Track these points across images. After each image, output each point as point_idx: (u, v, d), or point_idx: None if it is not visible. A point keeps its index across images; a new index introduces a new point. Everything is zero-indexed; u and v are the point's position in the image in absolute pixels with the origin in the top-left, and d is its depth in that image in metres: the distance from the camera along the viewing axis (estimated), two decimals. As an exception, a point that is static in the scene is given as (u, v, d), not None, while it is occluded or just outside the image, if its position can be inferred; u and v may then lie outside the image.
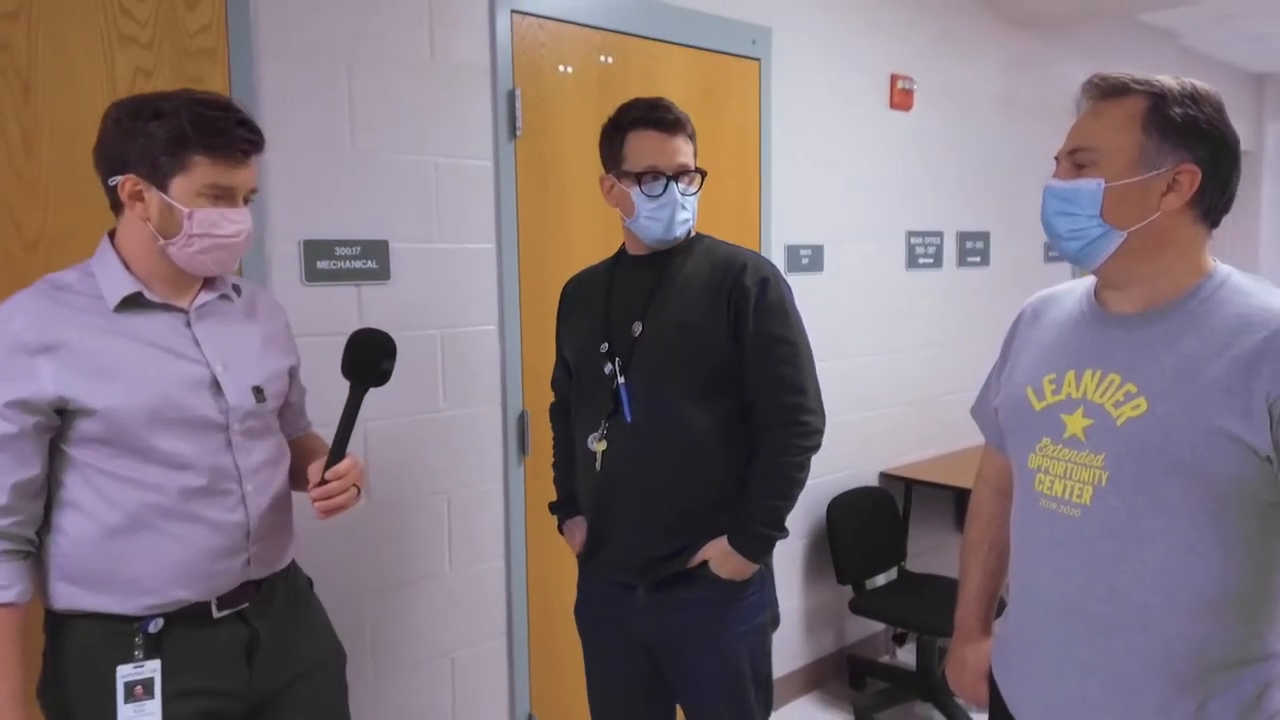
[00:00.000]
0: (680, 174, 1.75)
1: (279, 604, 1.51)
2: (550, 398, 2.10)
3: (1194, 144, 1.18)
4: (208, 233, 1.35)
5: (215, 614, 1.41)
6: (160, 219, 1.34)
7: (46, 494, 1.35)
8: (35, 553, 1.36)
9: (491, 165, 2.36)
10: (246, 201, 1.41)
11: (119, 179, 1.33)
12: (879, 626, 3.64)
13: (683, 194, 1.75)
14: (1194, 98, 1.19)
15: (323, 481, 1.45)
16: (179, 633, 1.38)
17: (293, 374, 1.61)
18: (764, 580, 1.82)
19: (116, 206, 1.38)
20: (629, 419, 1.75)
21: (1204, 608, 1.15)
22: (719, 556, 1.74)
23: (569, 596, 2.00)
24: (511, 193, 2.40)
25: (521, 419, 2.47)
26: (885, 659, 3.65)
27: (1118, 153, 1.19)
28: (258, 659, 1.45)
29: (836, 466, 3.35)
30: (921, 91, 3.55)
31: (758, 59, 2.97)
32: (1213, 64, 5.92)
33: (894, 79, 3.44)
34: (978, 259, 3.93)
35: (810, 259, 3.21)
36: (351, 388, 1.47)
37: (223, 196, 1.35)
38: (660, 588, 1.78)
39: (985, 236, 3.95)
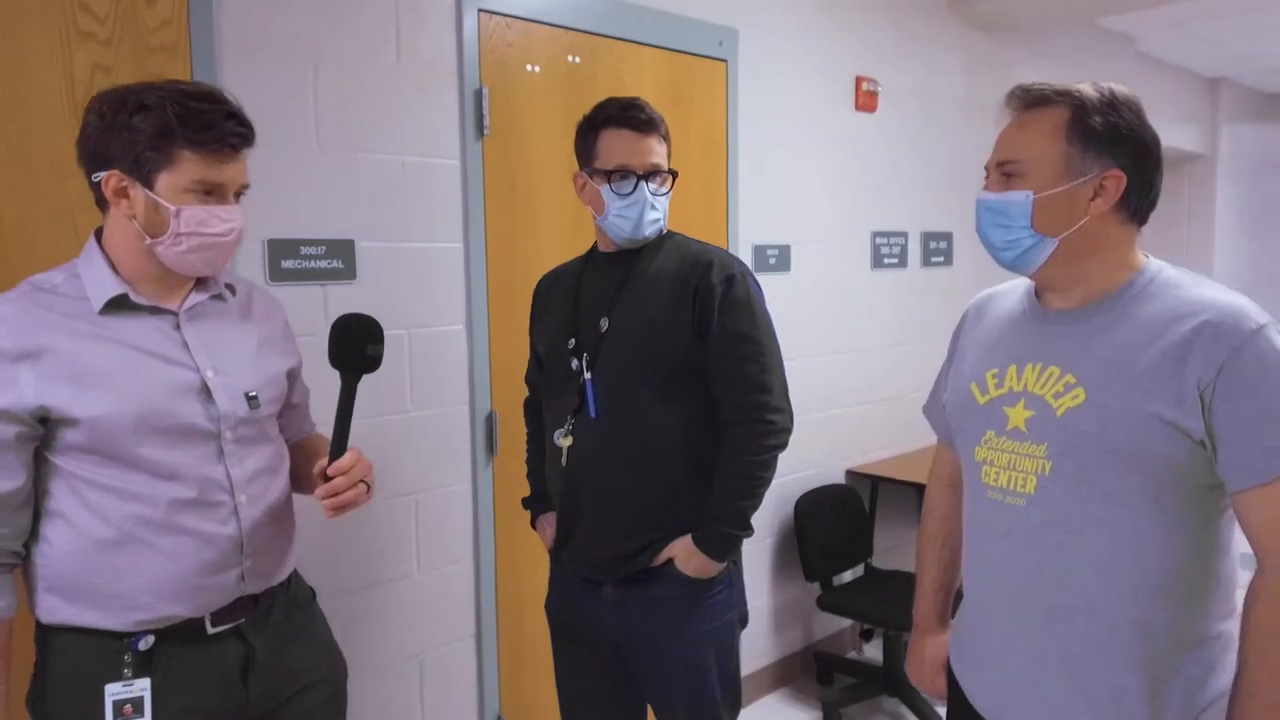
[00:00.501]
0: (652, 174, 1.75)
1: (278, 618, 1.46)
2: (523, 395, 2.09)
3: (1116, 150, 1.22)
4: (196, 231, 1.29)
5: (210, 630, 1.36)
6: (146, 217, 1.28)
7: (34, 504, 1.30)
8: (21, 564, 1.32)
9: (459, 164, 2.35)
10: (238, 198, 1.36)
11: (102, 175, 1.27)
12: (846, 622, 3.68)
13: (653, 194, 1.75)
14: (1113, 104, 1.22)
15: (326, 479, 1.39)
16: (171, 650, 1.33)
17: (292, 376, 1.55)
18: (732, 578, 1.83)
19: (101, 203, 1.32)
20: (594, 414, 1.75)
21: (1148, 591, 1.19)
22: (684, 555, 1.74)
23: (539, 597, 2.00)
24: (479, 192, 2.39)
25: (490, 419, 2.46)
26: (852, 655, 3.69)
27: (1044, 163, 1.23)
28: (254, 676, 1.40)
29: (804, 464, 3.38)
30: (886, 93, 3.59)
31: (724, 60, 2.99)
32: (1169, 68, 6.04)
33: (859, 81, 3.47)
34: (941, 259, 3.98)
35: (777, 259, 3.23)
36: (343, 378, 1.42)
37: (212, 193, 1.30)
38: (627, 584, 1.78)
39: (949, 237, 4.01)
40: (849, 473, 3.61)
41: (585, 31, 2.60)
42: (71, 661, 1.30)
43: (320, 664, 1.52)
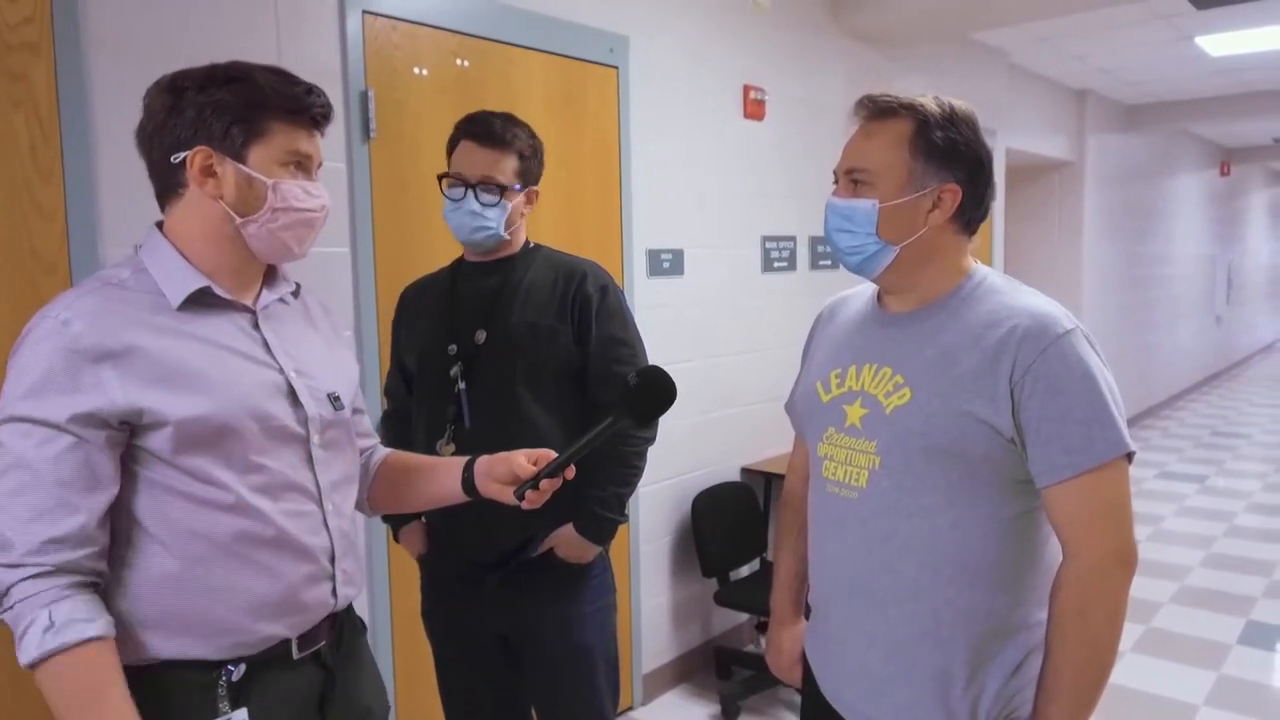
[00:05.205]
0: (482, 184, 1.81)
1: (346, 644, 1.38)
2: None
3: (954, 165, 1.30)
4: (291, 206, 1.22)
5: (295, 655, 1.27)
6: (238, 194, 1.20)
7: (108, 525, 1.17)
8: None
9: (345, 167, 2.33)
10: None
11: (185, 154, 1.18)
12: (744, 617, 3.76)
13: (483, 205, 1.81)
14: (952, 119, 1.31)
15: (534, 486, 1.35)
16: (260, 679, 1.23)
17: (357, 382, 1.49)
18: (606, 565, 1.94)
19: (169, 191, 1.23)
20: (473, 422, 1.81)
21: (967, 578, 1.28)
22: (566, 542, 1.84)
23: (432, 605, 1.99)
24: (366, 195, 2.37)
25: (379, 428, 2.43)
26: (750, 648, 3.78)
27: (889, 174, 1.31)
28: (331, 706, 1.32)
29: (701, 463, 3.45)
30: (773, 102, 3.70)
31: (615, 66, 3.03)
32: (1039, 80, 6.39)
33: (747, 89, 3.57)
34: (828, 262, 4.12)
35: (671, 263, 3.29)
36: (616, 418, 1.34)
37: (301, 166, 1.25)
38: (510, 576, 1.84)
39: (836, 240, 4.14)
40: (744, 470, 3.69)
41: (474, 35, 2.60)
42: (160, 705, 1.16)
43: (379, 696, 1.45)
